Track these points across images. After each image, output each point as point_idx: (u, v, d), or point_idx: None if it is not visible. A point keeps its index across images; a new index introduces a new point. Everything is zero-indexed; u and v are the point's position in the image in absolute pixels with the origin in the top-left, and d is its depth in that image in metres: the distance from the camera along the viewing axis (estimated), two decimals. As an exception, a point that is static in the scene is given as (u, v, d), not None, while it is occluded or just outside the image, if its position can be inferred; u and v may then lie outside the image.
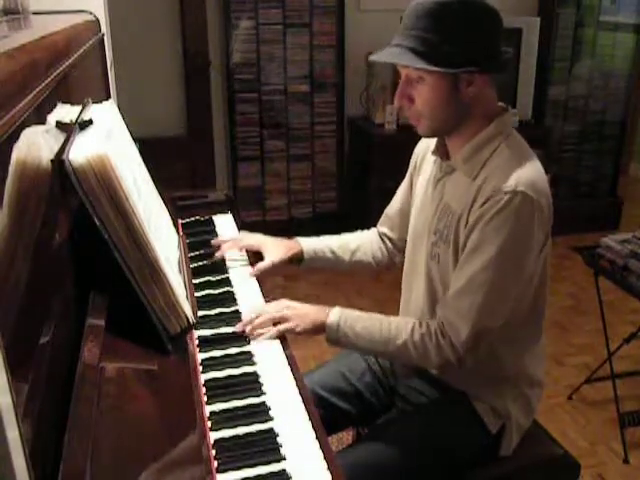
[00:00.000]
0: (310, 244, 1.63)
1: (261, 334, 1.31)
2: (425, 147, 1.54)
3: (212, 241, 1.66)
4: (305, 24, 3.67)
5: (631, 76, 4.11)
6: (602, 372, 2.57)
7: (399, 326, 1.34)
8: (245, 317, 1.36)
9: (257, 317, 1.33)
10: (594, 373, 2.62)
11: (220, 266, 1.59)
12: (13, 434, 0.52)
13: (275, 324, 1.34)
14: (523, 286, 1.31)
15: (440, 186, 1.41)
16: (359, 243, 1.68)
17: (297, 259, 1.63)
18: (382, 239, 1.70)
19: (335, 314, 1.37)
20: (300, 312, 1.37)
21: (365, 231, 1.73)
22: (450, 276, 1.35)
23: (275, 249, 1.60)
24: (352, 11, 3.73)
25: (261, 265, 1.57)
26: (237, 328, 1.32)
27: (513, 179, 1.25)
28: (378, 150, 3.62)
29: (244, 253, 1.66)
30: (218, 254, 1.60)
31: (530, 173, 1.27)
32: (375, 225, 1.74)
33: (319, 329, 1.37)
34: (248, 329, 1.31)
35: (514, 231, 1.24)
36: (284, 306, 1.38)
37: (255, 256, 1.64)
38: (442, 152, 1.42)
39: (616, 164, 4.27)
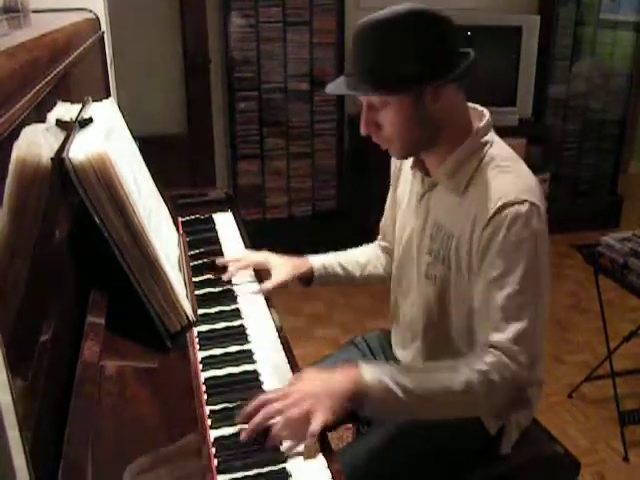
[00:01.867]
0: (319, 261, 1.57)
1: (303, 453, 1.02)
2: None
3: (217, 261, 1.56)
4: (305, 22, 3.66)
5: (631, 74, 4.11)
6: (602, 370, 2.57)
7: (450, 369, 1.19)
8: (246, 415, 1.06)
9: (280, 427, 1.03)
10: (594, 371, 2.62)
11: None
12: (13, 433, 0.52)
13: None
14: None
15: (424, 202, 1.37)
16: (368, 257, 1.63)
17: (306, 278, 1.56)
18: (386, 253, 1.65)
19: (368, 370, 1.13)
20: (323, 394, 1.09)
21: (369, 245, 1.68)
22: (449, 298, 1.32)
23: (282, 266, 1.53)
24: (352, 9, 3.73)
25: (267, 284, 1.50)
26: (244, 436, 1.03)
27: (512, 191, 1.19)
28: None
29: (243, 249, 1.64)
30: (226, 277, 1.51)
31: (525, 181, 1.23)
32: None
33: (355, 396, 1.11)
34: (284, 448, 1.02)
35: (530, 245, 1.18)
36: (298, 398, 1.07)
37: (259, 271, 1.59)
38: (420, 167, 1.37)
39: (616, 162, 4.27)
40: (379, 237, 1.68)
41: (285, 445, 1.02)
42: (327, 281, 1.58)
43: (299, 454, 1.01)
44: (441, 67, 1.20)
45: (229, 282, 1.51)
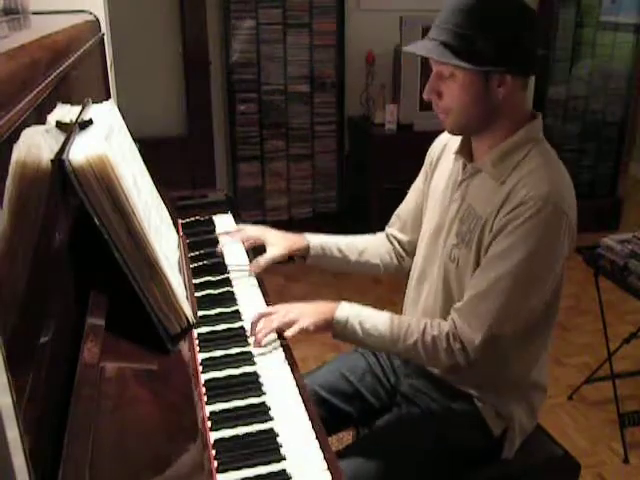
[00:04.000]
0: (317, 240, 1.60)
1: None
2: (442, 145, 1.53)
3: (217, 235, 1.61)
4: (305, 24, 3.67)
5: (631, 76, 4.11)
6: (602, 372, 2.57)
7: (410, 325, 1.32)
8: (251, 328, 1.31)
9: (263, 328, 1.29)
10: (594, 373, 2.62)
11: (220, 266, 1.59)
12: (13, 434, 0.52)
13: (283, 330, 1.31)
14: (543, 297, 1.29)
15: (463, 188, 1.39)
16: (367, 245, 1.64)
17: (302, 254, 1.59)
18: (391, 242, 1.66)
19: (343, 309, 1.35)
20: (306, 310, 1.34)
21: (373, 234, 1.69)
22: (468, 279, 1.34)
23: (278, 242, 1.56)
24: (352, 11, 3.73)
25: (261, 260, 1.53)
26: (254, 345, 1.28)
27: (544, 189, 1.22)
28: (378, 150, 3.62)
29: (242, 250, 1.64)
30: (220, 245, 1.57)
31: (561, 185, 1.26)
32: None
33: (328, 324, 1.35)
34: (260, 336, 1.28)
35: (541, 242, 1.22)
36: (287, 310, 1.34)
37: (256, 253, 1.61)
38: (466, 153, 1.40)
39: (616, 164, 4.27)
40: (390, 224, 1.69)
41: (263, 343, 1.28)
42: (322, 262, 1.61)
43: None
44: (516, 57, 1.25)
45: (228, 283, 1.50)
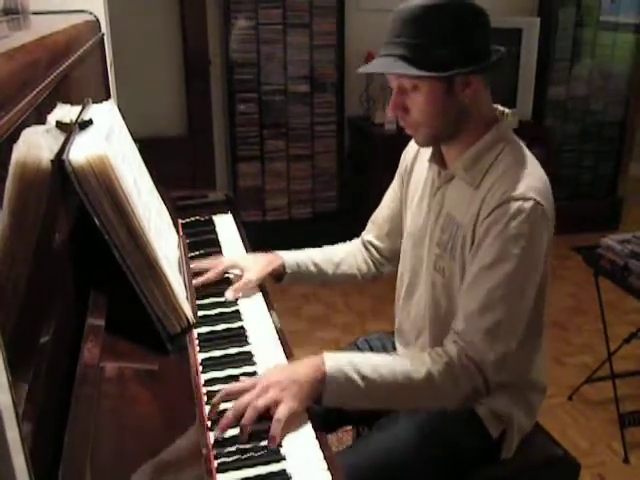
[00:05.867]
0: (292, 257, 1.56)
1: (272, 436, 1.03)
2: (416, 149, 1.51)
3: (192, 265, 1.49)
4: (305, 24, 3.67)
5: (631, 76, 4.11)
6: (602, 372, 2.57)
7: (413, 361, 1.21)
8: (211, 408, 1.08)
9: (248, 418, 1.04)
10: (594, 373, 2.62)
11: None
12: (13, 434, 0.52)
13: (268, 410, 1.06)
14: (535, 295, 1.28)
15: (440, 195, 1.38)
16: (343, 256, 1.61)
17: (278, 274, 1.55)
18: (367, 249, 1.65)
19: (332, 360, 1.16)
20: (287, 381, 1.10)
21: (348, 242, 1.67)
22: (456, 289, 1.32)
23: (252, 267, 1.51)
24: (352, 11, 3.74)
25: (237, 286, 1.46)
26: (218, 433, 1.03)
27: (521, 187, 1.21)
28: (378, 150, 3.62)
29: (242, 251, 1.64)
30: (198, 282, 1.46)
31: (536, 180, 1.24)
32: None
33: (317, 390, 1.13)
34: (244, 435, 1.03)
35: (527, 241, 1.20)
36: (263, 386, 1.09)
37: None
38: (438, 159, 1.39)
39: (616, 164, 4.28)
40: (366, 231, 1.67)
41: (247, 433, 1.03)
42: (299, 279, 1.57)
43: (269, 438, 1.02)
44: (475, 56, 1.24)
45: (228, 283, 1.50)
